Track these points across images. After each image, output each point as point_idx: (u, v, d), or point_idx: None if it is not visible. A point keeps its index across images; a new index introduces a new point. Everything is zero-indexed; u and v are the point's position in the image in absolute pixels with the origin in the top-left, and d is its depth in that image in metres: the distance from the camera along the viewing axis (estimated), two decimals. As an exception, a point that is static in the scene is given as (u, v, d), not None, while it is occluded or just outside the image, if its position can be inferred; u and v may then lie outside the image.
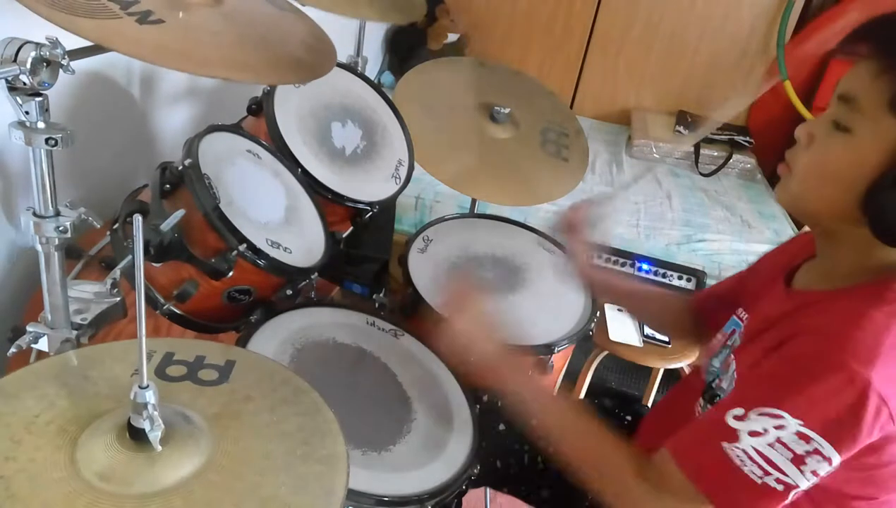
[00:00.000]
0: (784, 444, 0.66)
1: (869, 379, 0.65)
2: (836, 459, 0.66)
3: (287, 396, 0.70)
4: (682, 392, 1.04)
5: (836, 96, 0.73)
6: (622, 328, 1.85)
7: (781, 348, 0.73)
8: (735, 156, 2.83)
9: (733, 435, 0.69)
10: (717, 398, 0.88)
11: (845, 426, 0.65)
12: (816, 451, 0.66)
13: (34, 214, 0.79)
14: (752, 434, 0.68)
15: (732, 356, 0.87)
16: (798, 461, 0.66)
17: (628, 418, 1.16)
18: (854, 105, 0.70)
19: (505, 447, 1.08)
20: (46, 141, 0.74)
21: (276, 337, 1.04)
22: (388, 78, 2.98)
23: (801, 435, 0.66)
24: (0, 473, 0.56)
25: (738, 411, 0.70)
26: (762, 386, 0.71)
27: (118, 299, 0.95)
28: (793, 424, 0.66)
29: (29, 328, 0.87)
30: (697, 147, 2.84)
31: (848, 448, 0.66)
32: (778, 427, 0.67)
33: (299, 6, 1.10)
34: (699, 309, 1.12)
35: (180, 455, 0.60)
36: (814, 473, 0.67)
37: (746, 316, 0.93)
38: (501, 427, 1.10)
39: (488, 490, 1.60)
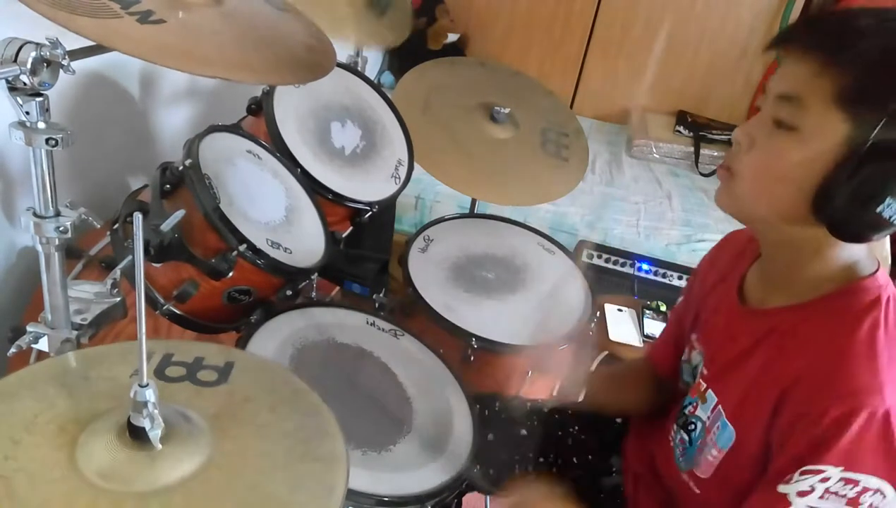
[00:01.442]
0: (834, 493, 0.67)
1: (887, 407, 0.66)
2: (889, 488, 0.67)
3: (287, 397, 0.69)
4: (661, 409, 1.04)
5: (776, 96, 0.72)
6: (622, 328, 1.85)
7: (786, 402, 0.72)
8: (735, 157, 2.83)
9: (784, 501, 0.70)
10: (691, 425, 0.88)
11: (884, 455, 0.66)
12: (866, 489, 0.66)
13: (34, 214, 0.79)
14: (801, 494, 0.69)
15: (705, 384, 0.86)
16: (853, 502, 0.67)
17: (618, 420, 1.16)
18: (798, 103, 0.69)
19: (496, 456, 1.08)
20: (47, 141, 0.74)
21: (276, 337, 1.04)
22: (388, 78, 2.98)
23: (847, 480, 0.67)
24: (0, 473, 0.56)
25: (784, 477, 0.70)
26: (798, 450, 0.70)
27: (118, 299, 0.95)
28: (835, 473, 0.67)
29: (29, 328, 0.87)
30: (697, 147, 2.84)
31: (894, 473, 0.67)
32: (823, 480, 0.67)
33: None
34: (659, 362, 1.08)
35: (180, 454, 0.59)
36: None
37: (697, 326, 0.93)
38: (490, 436, 1.09)
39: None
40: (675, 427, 0.93)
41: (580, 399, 1.07)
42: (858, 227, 0.69)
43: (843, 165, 0.67)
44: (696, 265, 1.03)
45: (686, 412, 0.90)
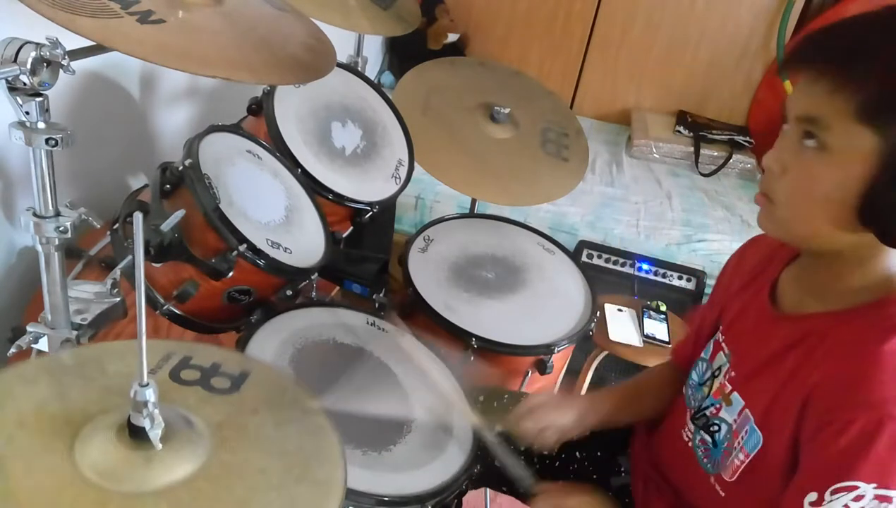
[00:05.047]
0: None
1: None
2: None
3: (294, 415, 0.68)
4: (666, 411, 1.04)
5: (795, 118, 0.72)
6: (622, 328, 1.85)
7: (811, 407, 0.72)
8: (735, 156, 2.83)
9: None
10: (714, 427, 0.87)
11: None
12: None
13: (34, 214, 0.79)
14: None
15: (730, 386, 0.86)
16: None
17: None
18: (820, 123, 0.69)
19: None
20: (46, 141, 0.74)
21: (276, 337, 1.04)
22: (388, 78, 2.98)
23: (880, 497, 0.65)
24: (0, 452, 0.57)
25: (813, 496, 0.69)
26: (824, 463, 0.70)
27: (118, 299, 0.95)
28: (869, 490, 0.66)
29: (29, 328, 0.87)
30: (697, 147, 2.85)
31: None
32: (857, 499, 0.66)
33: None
34: (681, 361, 1.06)
35: (175, 459, 0.59)
36: None
37: (721, 328, 0.92)
38: (497, 427, 1.09)
39: (488, 490, 1.60)
40: (692, 427, 0.92)
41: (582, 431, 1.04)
42: None
43: (881, 176, 0.66)
44: (721, 268, 1.03)
45: (707, 413, 0.89)
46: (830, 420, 0.69)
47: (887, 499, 0.65)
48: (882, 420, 0.66)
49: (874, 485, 0.65)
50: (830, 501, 0.67)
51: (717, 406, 0.87)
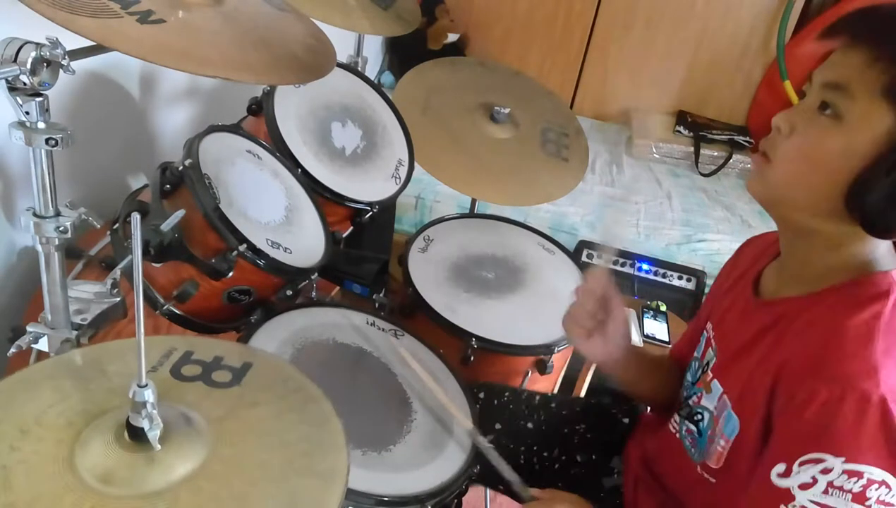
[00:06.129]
0: (839, 487, 0.65)
1: (882, 392, 0.65)
2: (893, 480, 0.65)
3: (296, 404, 0.68)
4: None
5: (822, 83, 0.72)
6: (622, 328, 1.85)
7: (779, 385, 0.72)
8: (735, 156, 2.83)
9: (787, 495, 0.68)
10: (697, 415, 0.88)
11: (885, 444, 0.65)
12: (871, 482, 0.65)
13: (34, 214, 0.79)
14: (803, 486, 0.67)
15: (711, 374, 0.86)
16: (859, 498, 0.65)
17: (626, 420, 1.16)
18: (845, 92, 0.69)
19: (502, 446, 1.08)
20: (47, 141, 0.74)
21: (276, 338, 1.04)
22: (388, 78, 2.98)
23: (850, 473, 0.65)
24: (2, 462, 0.56)
25: (781, 467, 0.69)
26: (791, 436, 0.70)
27: (118, 299, 0.95)
28: (837, 463, 0.65)
29: (29, 328, 0.87)
30: (697, 147, 2.84)
31: None
32: (825, 472, 0.66)
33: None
34: (679, 358, 1.07)
35: (174, 459, 0.59)
36: (881, 503, 0.65)
37: (711, 326, 0.93)
38: (498, 426, 1.10)
39: (488, 490, 1.60)
40: (678, 418, 0.93)
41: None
42: (892, 223, 0.69)
43: (883, 159, 0.66)
44: (718, 273, 1.03)
45: (690, 402, 0.90)
46: (795, 393, 0.69)
47: (857, 473, 0.65)
48: (845, 392, 0.66)
49: (842, 459, 0.65)
50: (798, 472, 0.67)
51: (699, 394, 0.88)
